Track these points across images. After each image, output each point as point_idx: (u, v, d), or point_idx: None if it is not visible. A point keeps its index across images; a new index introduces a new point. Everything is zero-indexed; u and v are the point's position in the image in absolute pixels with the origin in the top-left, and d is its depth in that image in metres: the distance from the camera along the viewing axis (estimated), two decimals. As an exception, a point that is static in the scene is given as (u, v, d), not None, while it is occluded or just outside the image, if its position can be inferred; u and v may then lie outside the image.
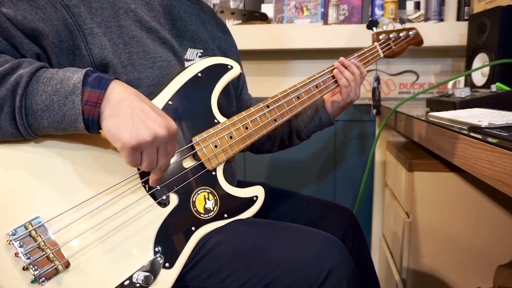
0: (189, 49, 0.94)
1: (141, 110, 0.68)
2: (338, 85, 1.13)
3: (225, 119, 0.92)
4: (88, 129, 0.67)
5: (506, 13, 1.26)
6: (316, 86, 1.08)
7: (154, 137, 0.68)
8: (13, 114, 0.65)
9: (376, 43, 1.25)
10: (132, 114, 0.67)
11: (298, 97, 1.04)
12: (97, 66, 0.77)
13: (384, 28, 1.29)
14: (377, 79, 1.45)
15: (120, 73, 0.79)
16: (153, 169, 0.72)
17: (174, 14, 0.91)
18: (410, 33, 1.32)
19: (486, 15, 1.34)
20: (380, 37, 1.26)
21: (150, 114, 0.68)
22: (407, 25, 1.36)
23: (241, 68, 1.18)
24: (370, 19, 1.31)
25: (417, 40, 1.36)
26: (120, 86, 0.69)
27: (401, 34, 1.30)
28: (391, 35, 1.28)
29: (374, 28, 1.28)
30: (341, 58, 1.13)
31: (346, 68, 1.12)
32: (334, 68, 1.12)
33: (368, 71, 1.36)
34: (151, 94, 0.83)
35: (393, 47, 1.29)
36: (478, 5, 1.61)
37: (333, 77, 1.12)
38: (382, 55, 1.25)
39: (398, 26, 1.33)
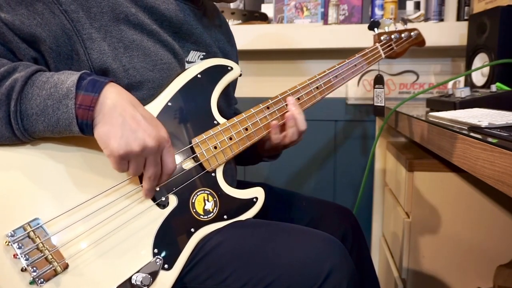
0: (191, 51, 0.93)
1: (132, 119, 0.68)
2: (337, 88, 1.12)
3: (225, 120, 0.92)
4: (83, 132, 0.67)
5: (506, 13, 1.26)
6: (317, 88, 1.08)
7: (143, 148, 0.68)
8: (9, 118, 0.65)
9: (377, 44, 1.24)
10: (123, 123, 0.67)
11: (298, 99, 1.04)
12: (96, 71, 0.77)
13: (386, 29, 1.28)
14: (381, 80, 1.43)
15: (121, 77, 0.78)
16: (137, 175, 0.73)
17: (180, 18, 0.89)
18: (412, 33, 1.32)
19: (486, 15, 1.34)
20: (382, 38, 1.26)
21: (141, 123, 0.68)
22: (408, 25, 1.36)
23: None
24: (372, 19, 1.30)
25: (419, 40, 1.35)
26: (114, 90, 0.69)
27: (402, 35, 1.29)
28: (392, 36, 1.27)
29: (375, 29, 1.27)
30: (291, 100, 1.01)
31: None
32: (335, 69, 1.11)
33: (369, 71, 1.36)
34: (151, 96, 0.83)
35: (395, 48, 1.28)
36: (478, 5, 1.61)
37: (336, 77, 1.11)
38: (383, 56, 1.25)
39: (400, 26, 1.32)
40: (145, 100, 0.81)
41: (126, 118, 0.67)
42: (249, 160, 1.18)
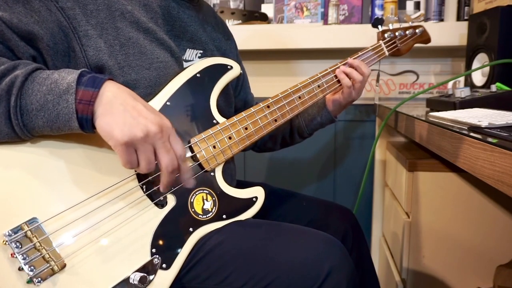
0: (188, 49, 0.93)
1: (133, 108, 0.67)
2: (340, 85, 1.12)
3: (224, 119, 0.92)
4: (83, 128, 0.67)
5: (506, 13, 1.26)
6: (319, 86, 1.07)
7: (146, 133, 0.67)
8: (8, 114, 0.65)
9: (381, 41, 1.23)
10: (124, 112, 0.66)
11: (299, 97, 1.03)
12: (92, 68, 0.77)
13: (390, 26, 1.26)
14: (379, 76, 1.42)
15: (116, 75, 0.78)
16: (151, 169, 0.70)
17: (173, 15, 0.90)
18: (417, 30, 1.29)
19: (486, 15, 1.34)
20: (386, 35, 1.24)
21: (142, 111, 0.68)
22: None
23: (242, 68, 1.18)
24: (376, 17, 1.28)
25: (424, 38, 1.32)
26: (114, 85, 0.69)
27: (407, 32, 1.27)
28: (396, 33, 1.25)
29: (379, 26, 1.25)
30: (349, 59, 1.12)
31: (355, 68, 1.11)
32: (337, 68, 1.11)
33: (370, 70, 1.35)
34: (148, 95, 0.83)
35: (399, 45, 1.26)
36: (478, 5, 1.60)
37: (336, 76, 1.11)
38: (387, 53, 1.23)
39: (405, 24, 1.31)
40: (142, 98, 0.80)
41: (127, 108, 0.67)
42: (285, 139, 1.25)
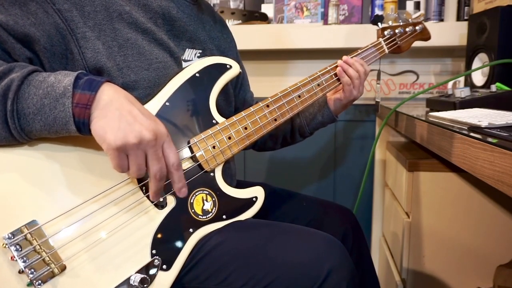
0: (187, 49, 0.93)
1: (129, 113, 0.67)
2: (340, 83, 1.11)
3: (224, 119, 0.91)
4: (80, 131, 0.67)
5: (506, 13, 1.26)
6: (318, 85, 1.07)
7: (140, 139, 0.66)
8: (5, 118, 0.65)
9: (381, 39, 1.22)
10: (119, 116, 0.66)
11: (299, 96, 1.03)
12: (90, 70, 0.77)
13: (390, 23, 1.26)
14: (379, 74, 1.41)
15: (115, 76, 0.78)
16: (141, 175, 0.69)
17: (173, 14, 0.90)
18: (417, 28, 1.29)
19: (486, 15, 1.34)
20: (385, 32, 1.24)
21: (138, 117, 0.67)
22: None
23: (242, 67, 1.18)
24: (376, 14, 1.28)
25: (424, 35, 1.32)
26: (111, 88, 0.68)
27: (407, 29, 1.27)
28: (396, 31, 1.25)
29: (379, 24, 1.25)
30: (344, 57, 1.11)
31: (349, 66, 1.10)
32: (336, 66, 1.11)
33: (370, 70, 1.35)
34: (147, 96, 0.82)
35: (399, 42, 1.25)
36: (478, 5, 1.60)
37: (336, 75, 1.11)
38: (387, 51, 1.22)
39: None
40: (141, 99, 0.80)
41: (122, 112, 0.66)
42: (286, 138, 1.24)
